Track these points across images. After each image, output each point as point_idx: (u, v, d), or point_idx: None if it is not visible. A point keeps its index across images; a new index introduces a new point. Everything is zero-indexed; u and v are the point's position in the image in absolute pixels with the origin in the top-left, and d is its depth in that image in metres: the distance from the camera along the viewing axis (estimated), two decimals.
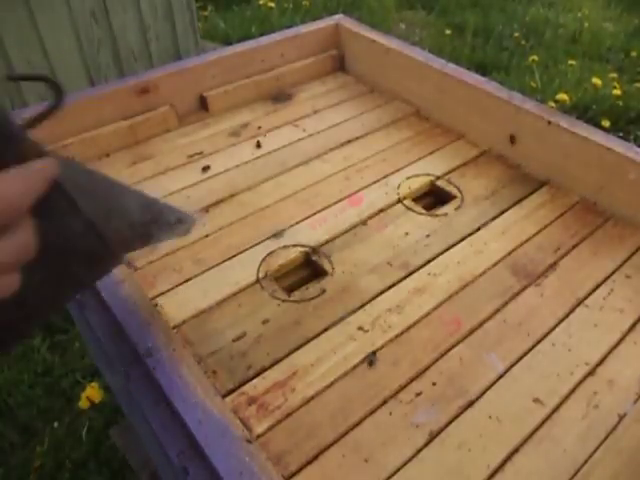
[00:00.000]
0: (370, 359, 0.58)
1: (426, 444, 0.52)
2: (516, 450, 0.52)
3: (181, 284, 0.68)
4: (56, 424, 1.28)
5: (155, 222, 0.47)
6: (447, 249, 0.73)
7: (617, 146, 0.75)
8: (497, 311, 0.65)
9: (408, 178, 0.85)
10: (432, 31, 3.20)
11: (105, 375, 0.52)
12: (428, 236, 0.75)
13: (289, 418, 0.54)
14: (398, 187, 0.83)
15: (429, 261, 0.71)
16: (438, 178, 0.85)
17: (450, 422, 0.54)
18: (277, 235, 0.70)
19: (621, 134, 2.25)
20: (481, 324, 0.63)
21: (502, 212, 0.79)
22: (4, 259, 0.27)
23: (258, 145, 0.91)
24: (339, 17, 1.13)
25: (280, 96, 1.06)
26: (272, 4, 3.28)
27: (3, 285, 0.28)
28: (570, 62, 2.80)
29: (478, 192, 0.82)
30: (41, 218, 0.29)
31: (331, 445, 0.52)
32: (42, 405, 1.32)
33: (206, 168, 0.87)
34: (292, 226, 0.76)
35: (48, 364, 1.40)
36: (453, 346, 0.61)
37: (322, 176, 0.86)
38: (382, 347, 0.60)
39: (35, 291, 0.32)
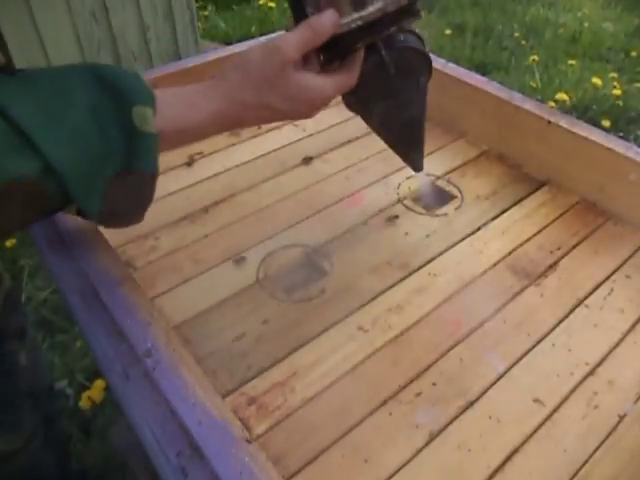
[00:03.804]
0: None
1: (426, 444, 0.52)
2: (516, 450, 0.52)
3: (181, 284, 0.68)
4: None
5: None
6: (447, 249, 0.73)
7: (617, 146, 0.75)
8: (497, 311, 0.65)
9: (408, 178, 0.85)
10: (432, 31, 3.19)
11: (105, 375, 0.52)
12: (428, 236, 0.75)
13: (289, 418, 0.54)
14: (398, 187, 0.83)
15: (429, 261, 0.71)
16: (438, 178, 0.85)
17: (450, 422, 0.54)
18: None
19: (621, 134, 2.25)
20: (481, 324, 0.63)
21: (502, 212, 0.79)
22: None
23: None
24: None
25: None
26: (272, 4, 3.28)
27: None
28: (570, 62, 2.80)
29: (478, 192, 0.82)
30: None
31: (331, 445, 0.52)
32: None
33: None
34: (292, 226, 0.76)
35: (48, 364, 1.40)
36: (453, 346, 0.61)
37: (322, 176, 0.86)
38: (382, 347, 0.60)
39: None
